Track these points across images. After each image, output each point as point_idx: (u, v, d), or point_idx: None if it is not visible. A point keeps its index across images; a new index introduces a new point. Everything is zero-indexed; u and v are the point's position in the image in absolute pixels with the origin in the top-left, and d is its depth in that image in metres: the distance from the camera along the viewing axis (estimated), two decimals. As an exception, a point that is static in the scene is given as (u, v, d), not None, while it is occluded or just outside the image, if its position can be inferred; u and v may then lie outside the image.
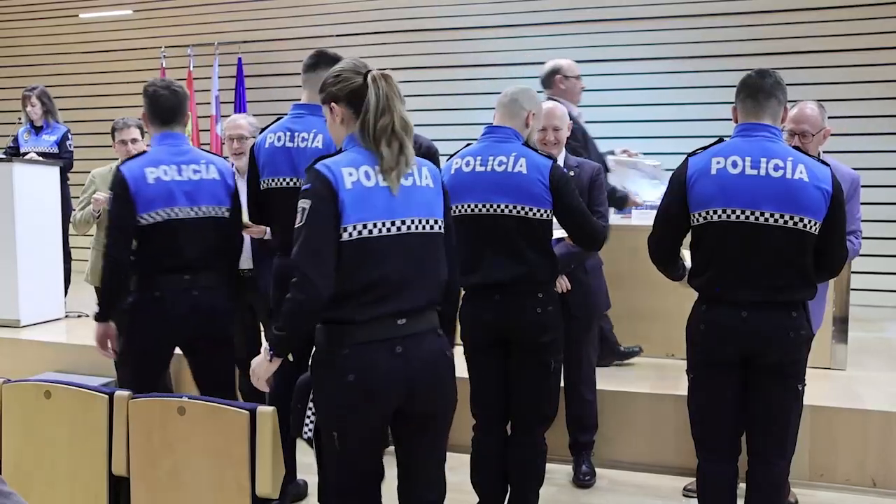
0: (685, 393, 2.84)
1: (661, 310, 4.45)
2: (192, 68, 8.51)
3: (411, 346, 2.24)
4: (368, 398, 2.20)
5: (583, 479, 3.84)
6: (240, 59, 8.43)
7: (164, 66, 8.59)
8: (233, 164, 3.99)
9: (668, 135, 7.17)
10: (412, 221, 2.24)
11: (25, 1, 9.64)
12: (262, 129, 3.42)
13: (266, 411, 2.15)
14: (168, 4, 9.08)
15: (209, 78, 8.47)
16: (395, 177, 2.21)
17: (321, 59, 3.24)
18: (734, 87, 2.77)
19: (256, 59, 8.62)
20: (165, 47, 8.68)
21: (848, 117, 6.92)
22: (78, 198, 4.55)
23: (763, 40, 7.16)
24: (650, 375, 4.39)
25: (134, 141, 4.32)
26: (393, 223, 2.21)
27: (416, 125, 4.10)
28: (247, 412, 2.15)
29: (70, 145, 6.12)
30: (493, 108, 3.13)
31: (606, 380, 4.04)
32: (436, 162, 3.94)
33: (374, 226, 2.19)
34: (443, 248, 2.34)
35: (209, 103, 8.47)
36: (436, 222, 2.30)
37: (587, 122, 4.58)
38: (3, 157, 5.75)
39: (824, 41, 7.09)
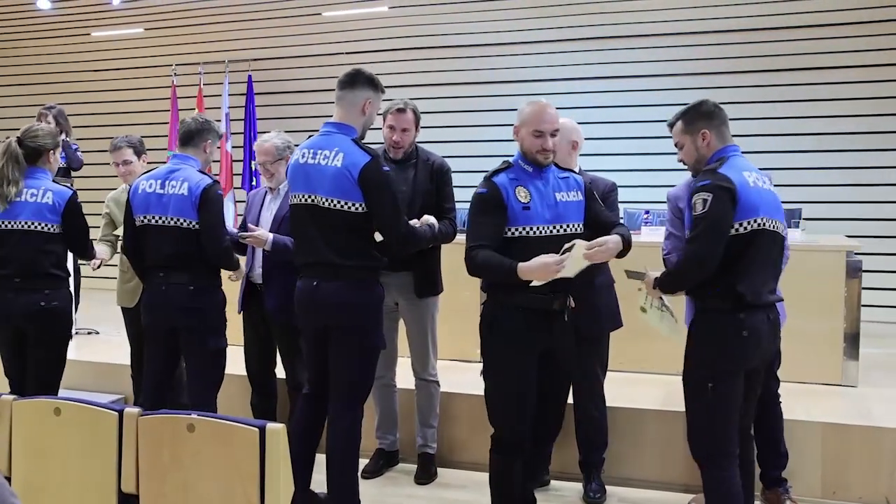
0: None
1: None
2: (202, 86, 8.57)
3: None
4: None
5: (593, 497, 3.81)
6: (250, 77, 8.49)
7: (174, 83, 8.65)
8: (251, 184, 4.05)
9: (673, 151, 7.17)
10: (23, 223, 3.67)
11: (39, 20, 9.75)
12: None
13: (276, 428, 2.15)
14: (179, 23, 9.17)
15: (219, 95, 8.52)
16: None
17: (358, 78, 3.31)
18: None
19: (267, 77, 8.68)
20: (176, 65, 8.75)
21: (850, 133, 6.95)
22: (92, 217, 4.57)
23: (761, 57, 7.20)
24: (660, 392, 4.37)
25: (126, 163, 4.32)
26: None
27: (425, 142, 4.15)
28: (256, 429, 2.15)
29: (76, 149, 6.18)
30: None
31: (616, 397, 4.02)
32: (448, 178, 3.95)
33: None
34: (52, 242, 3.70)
35: (219, 121, 8.49)
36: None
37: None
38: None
39: (812, 59, 7.10)
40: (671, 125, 3.08)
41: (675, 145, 3.10)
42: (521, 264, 2.90)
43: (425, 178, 3.89)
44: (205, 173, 3.70)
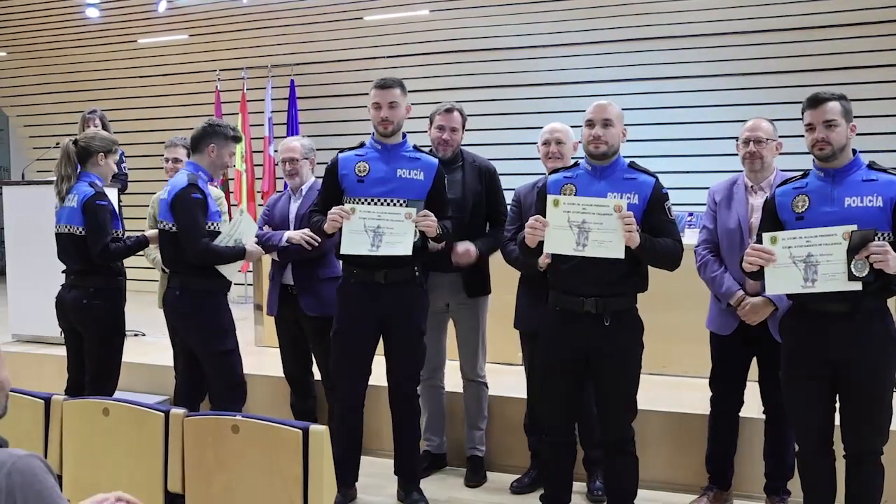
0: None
1: (680, 328, 4.39)
2: (245, 90, 8.68)
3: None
4: None
5: (595, 496, 3.78)
6: (292, 81, 8.57)
7: (218, 88, 8.77)
8: (283, 185, 4.12)
9: (719, 153, 7.06)
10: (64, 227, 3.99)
11: (88, 28, 9.95)
12: (343, 150, 3.61)
13: (318, 430, 2.16)
14: (222, 29, 9.28)
15: (262, 100, 8.61)
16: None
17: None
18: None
19: (309, 81, 8.75)
20: (220, 70, 8.87)
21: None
22: (139, 220, 4.67)
23: (804, 57, 7.05)
24: (666, 393, 4.31)
25: (176, 161, 4.43)
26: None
27: (466, 145, 4.15)
28: (299, 431, 2.17)
29: (124, 167, 6.25)
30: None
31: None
32: (498, 180, 3.97)
33: None
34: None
35: (262, 125, 8.61)
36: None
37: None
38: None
39: (870, 56, 6.92)
40: (823, 101, 2.90)
41: (824, 123, 2.89)
42: (523, 233, 3.13)
43: (474, 180, 3.91)
44: (201, 177, 3.68)
